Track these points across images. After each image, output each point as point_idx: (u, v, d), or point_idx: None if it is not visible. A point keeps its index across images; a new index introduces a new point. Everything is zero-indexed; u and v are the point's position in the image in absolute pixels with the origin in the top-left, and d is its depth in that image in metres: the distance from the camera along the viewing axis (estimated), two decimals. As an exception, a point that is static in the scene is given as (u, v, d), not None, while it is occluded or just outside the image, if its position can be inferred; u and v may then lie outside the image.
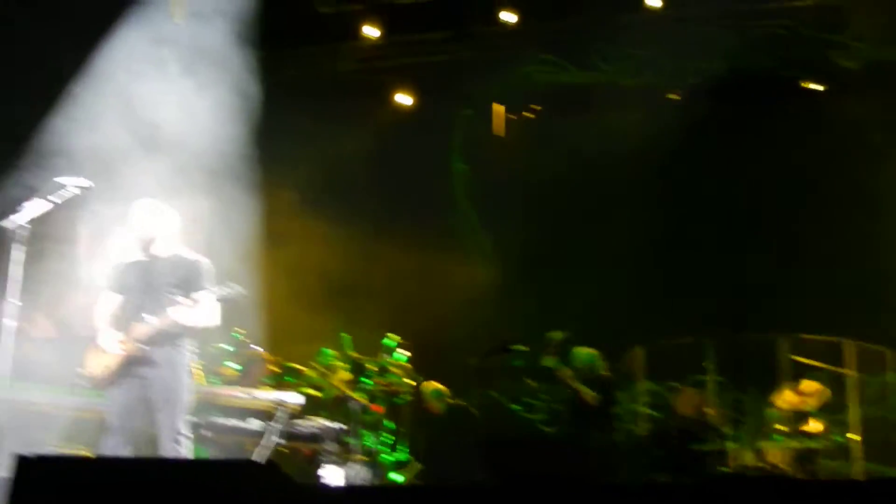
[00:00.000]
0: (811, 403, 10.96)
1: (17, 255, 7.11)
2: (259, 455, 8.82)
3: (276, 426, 9.11)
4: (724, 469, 10.62)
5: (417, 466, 10.91)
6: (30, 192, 7.51)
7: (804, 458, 10.67)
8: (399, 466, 10.85)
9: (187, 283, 7.62)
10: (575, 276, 13.27)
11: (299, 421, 9.53)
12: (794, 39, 12.72)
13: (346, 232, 12.65)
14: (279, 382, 10.92)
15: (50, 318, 10.49)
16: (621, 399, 11.85)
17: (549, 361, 11.00)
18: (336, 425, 9.65)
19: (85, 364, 7.82)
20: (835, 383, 11.57)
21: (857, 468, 11.40)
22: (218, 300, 7.61)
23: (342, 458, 9.67)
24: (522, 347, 11.84)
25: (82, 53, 10.80)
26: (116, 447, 7.46)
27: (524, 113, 14.42)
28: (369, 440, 10.34)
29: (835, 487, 4.65)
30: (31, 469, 4.45)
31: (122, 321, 7.68)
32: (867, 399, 12.10)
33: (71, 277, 10.71)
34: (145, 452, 7.77)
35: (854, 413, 11.78)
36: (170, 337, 7.57)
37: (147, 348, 7.51)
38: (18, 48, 11.56)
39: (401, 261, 12.89)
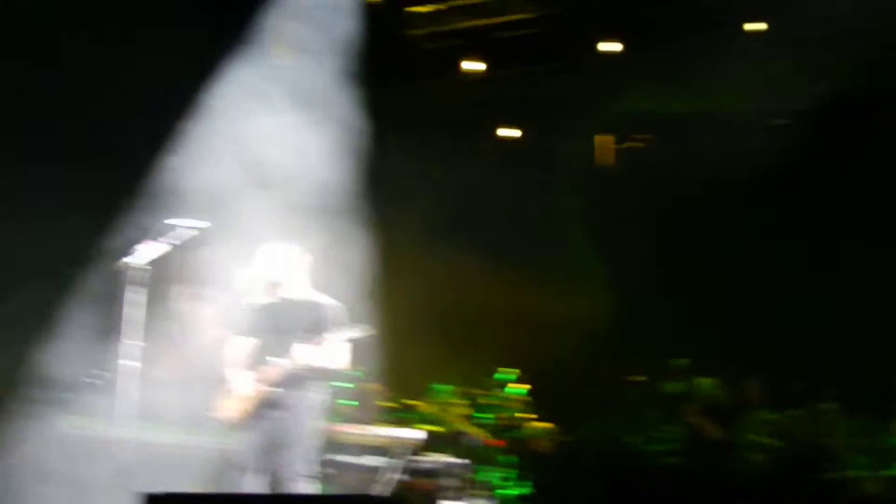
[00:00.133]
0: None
1: (136, 296, 7.23)
2: (380, 491, 8.85)
3: (396, 462, 9.14)
4: (847, 499, 10.39)
5: None
6: (144, 234, 7.62)
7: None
8: (519, 501, 10.77)
9: (317, 325, 7.68)
10: (688, 304, 13.14)
11: (418, 456, 9.53)
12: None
13: (459, 266, 12.66)
14: (397, 419, 10.95)
15: (172, 359, 10.62)
16: (741, 429, 11.64)
17: (674, 387, 10.85)
18: (455, 460, 9.64)
19: (215, 406, 7.90)
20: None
21: None
22: (346, 342, 7.64)
23: (462, 494, 9.63)
24: (640, 378, 11.74)
25: (191, 92, 11.01)
26: (246, 485, 7.55)
27: (630, 142, 14.31)
28: (488, 475, 10.29)
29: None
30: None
31: (253, 364, 7.76)
32: None
33: (191, 318, 10.89)
34: (273, 491, 7.81)
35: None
36: (299, 379, 7.62)
37: (277, 390, 7.57)
38: (129, 87, 11.80)
39: (515, 294, 12.89)
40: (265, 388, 7.61)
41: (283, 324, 7.76)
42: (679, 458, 11.67)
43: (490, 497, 9.92)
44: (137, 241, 7.52)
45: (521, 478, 10.72)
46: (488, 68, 13.66)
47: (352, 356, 7.89)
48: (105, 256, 10.13)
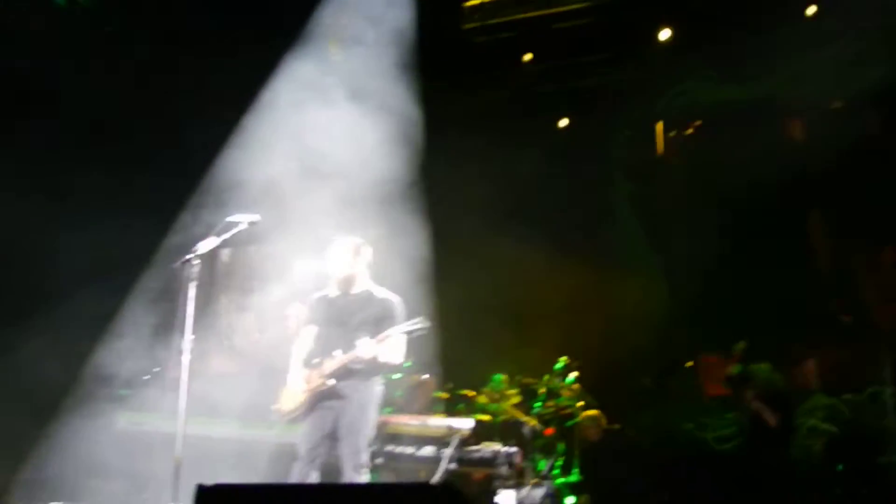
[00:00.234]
0: None
1: (192, 292, 7.33)
2: (434, 480, 8.95)
3: (449, 452, 9.23)
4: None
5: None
6: (205, 230, 7.77)
7: None
8: (572, 488, 10.82)
9: (379, 321, 7.85)
10: (743, 290, 13.08)
11: (472, 446, 9.62)
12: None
13: (513, 256, 12.69)
14: (451, 408, 11.05)
15: (230, 353, 10.83)
16: (797, 414, 11.58)
17: (735, 369, 10.81)
18: (508, 449, 9.69)
19: (278, 398, 8.07)
20: None
21: None
22: (404, 336, 7.76)
23: (515, 482, 9.69)
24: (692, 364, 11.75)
25: (251, 88, 11.19)
26: (303, 474, 7.71)
27: (685, 130, 14.25)
28: (542, 464, 10.35)
29: None
30: (211, 498, 4.67)
31: (315, 354, 7.92)
32: None
33: (245, 312, 11.10)
34: (330, 480, 7.96)
35: None
36: (357, 372, 7.77)
37: (335, 383, 7.72)
38: (188, 84, 12.01)
39: (569, 282, 12.87)
40: (323, 380, 7.76)
41: (346, 317, 7.96)
42: (733, 445, 11.64)
43: (541, 485, 9.96)
44: (196, 237, 7.62)
45: (570, 466, 10.77)
46: (542, 59, 13.68)
47: (407, 349, 8.02)
48: (164, 254, 10.40)
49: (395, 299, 8.05)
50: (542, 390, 11.04)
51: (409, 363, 10.74)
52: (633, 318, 13.09)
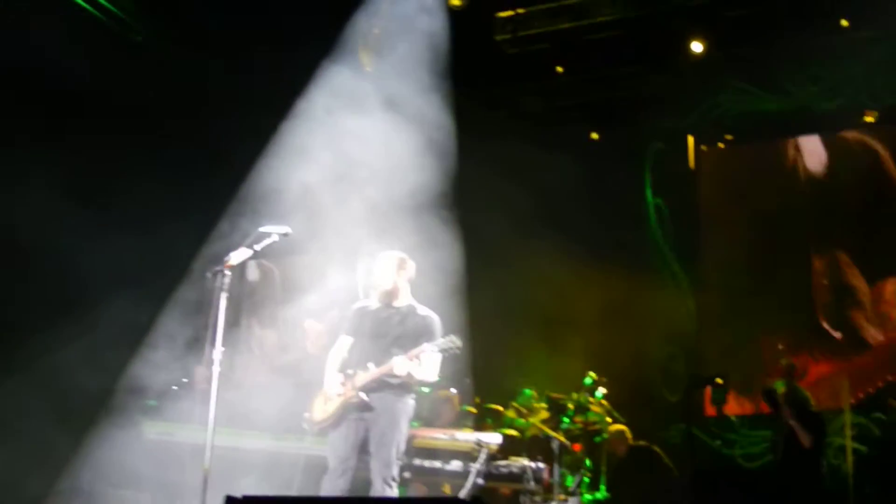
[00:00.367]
0: None
1: (223, 303, 7.28)
2: (461, 495, 8.96)
3: (477, 466, 9.24)
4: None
5: None
6: (241, 240, 7.79)
7: None
8: (595, 504, 10.83)
9: (417, 337, 7.85)
10: (775, 305, 13.06)
11: (499, 461, 9.62)
12: None
13: (544, 268, 12.71)
14: (479, 422, 11.05)
15: (256, 363, 10.86)
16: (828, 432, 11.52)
17: (779, 386, 10.74)
18: (536, 465, 9.68)
19: (310, 407, 8.09)
20: None
21: None
22: (439, 353, 7.78)
23: (543, 498, 9.70)
24: (721, 379, 11.69)
25: (286, 96, 11.25)
26: (332, 487, 7.73)
27: (717, 143, 14.21)
28: (570, 479, 10.34)
29: None
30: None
31: (348, 365, 7.95)
32: None
33: (276, 323, 11.13)
34: (360, 493, 7.98)
35: None
36: (390, 386, 7.79)
37: (365, 397, 7.75)
38: (228, 91, 12.08)
39: (599, 296, 12.85)
40: (355, 392, 7.78)
41: (384, 330, 7.96)
42: (761, 463, 11.60)
43: (568, 501, 9.96)
44: (232, 247, 7.64)
45: (598, 482, 10.75)
46: (573, 71, 13.69)
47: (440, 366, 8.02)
48: (202, 263, 10.45)
49: (435, 317, 8.07)
50: (571, 406, 10.98)
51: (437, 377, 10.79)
52: (661, 332, 13.10)
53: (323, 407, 7.99)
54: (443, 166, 10.91)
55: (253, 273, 12.70)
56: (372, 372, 7.77)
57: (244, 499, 4.96)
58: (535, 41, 13.30)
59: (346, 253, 10.80)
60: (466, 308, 11.20)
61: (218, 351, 7.18)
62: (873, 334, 12.73)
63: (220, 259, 7.44)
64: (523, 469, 9.59)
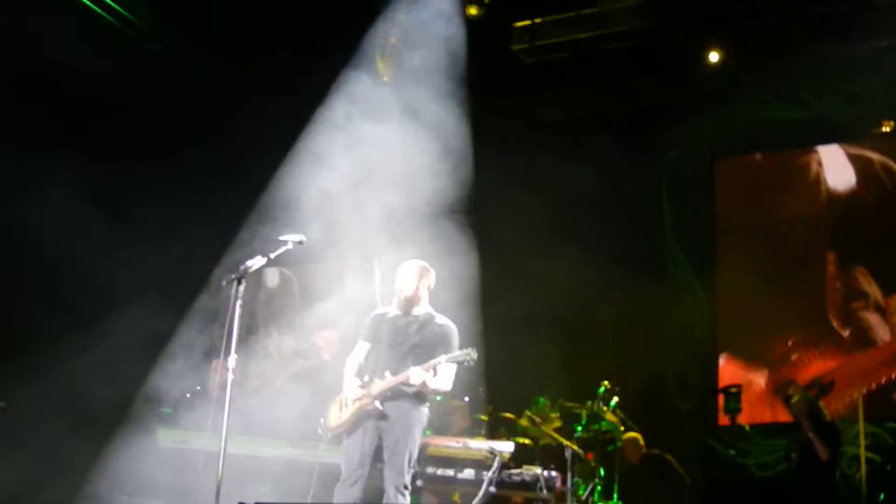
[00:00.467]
0: None
1: (237, 310, 7.32)
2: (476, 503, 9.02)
3: (490, 475, 9.27)
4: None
5: None
6: (251, 249, 7.84)
7: None
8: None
9: (434, 346, 7.88)
10: (790, 314, 13.07)
11: (512, 469, 9.65)
12: None
13: (558, 276, 12.72)
14: (492, 431, 11.10)
15: (271, 371, 10.93)
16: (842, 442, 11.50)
17: (803, 397, 10.72)
18: (549, 473, 9.71)
19: (326, 413, 8.14)
20: None
21: None
22: (454, 364, 7.82)
23: (555, 506, 9.74)
24: (735, 389, 11.71)
25: (305, 106, 11.34)
26: (345, 495, 7.78)
27: (734, 153, 14.20)
28: (582, 488, 10.37)
29: None
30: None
31: (365, 371, 8.01)
32: None
33: (294, 330, 11.20)
34: (372, 502, 8.02)
35: None
36: (405, 395, 7.85)
37: (380, 406, 7.80)
38: (248, 102, 12.19)
39: (615, 304, 12.88)
40: (369, 400, 7.84)
41: (401, 338, 7.97)
42: (774, 472, 11.59)
43: (580, 509, 10.00)
44: (245, 256, 7.70)
45: (611, 491, 10.77)
46: (590, 81, 13.74)
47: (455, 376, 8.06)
48: (216, 273, 10.54)
49: (452, 326, 8.07)
50: (584, 414, 11.01)
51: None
52: (676, 340, 13.12)
53: (338, 413, 8.03)
54: (459, 175, 10.98)
55: (273, 280, 12.80)
56: (388, 381, 7.80)
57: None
58: (553, 51, 13.36)
59: (363, 260, 10.88)
60: (481, 316, 11.26)
61: (232, 359, 7.20)
62: (882, 335, 12.71)
63: (236, 267, 7.50)
64: (536, 478, 9.60)
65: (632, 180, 13.53)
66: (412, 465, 7.92)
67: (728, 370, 13.25)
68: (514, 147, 12.88)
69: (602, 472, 10.79)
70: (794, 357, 12.96)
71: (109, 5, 11.64)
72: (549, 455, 10.43)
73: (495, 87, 13.21)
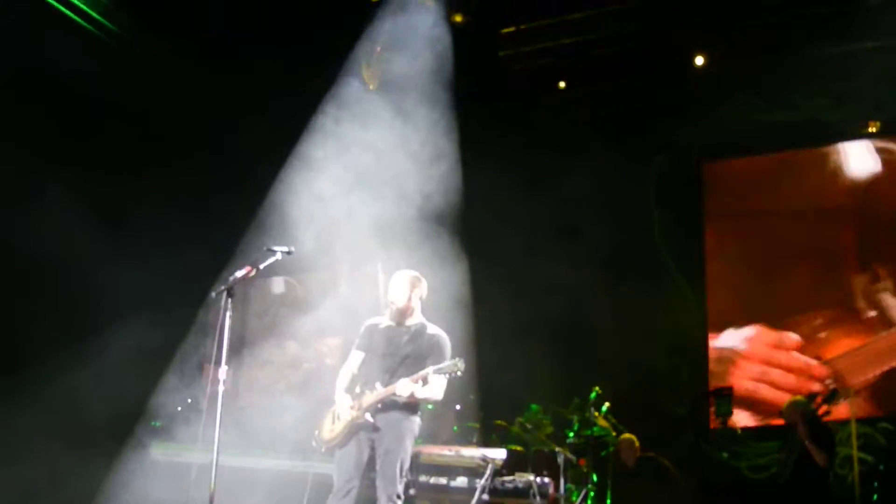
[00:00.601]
0: None
1: (227, 322, 7.32)
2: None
3: (483, 482, 9.29)
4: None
5: None
6: (241, 261, 7.85)
7: None
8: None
9: (423, 356, 7.90)
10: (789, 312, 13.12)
11: (505, 476, 9.66)
12: None
13: (547, 284, 12.74)
14: (485, 438, 11.10)
15: (262, 382, 10.93)
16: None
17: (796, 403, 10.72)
18: (541, 479, 9.72)
19: (320, 425, 8.15)
20: None
21: None
22: (445, 374, 7.82)
23: (547, 513, 9.74)
24: (726, 392, 11.72)
25: (298, 118, 11.37)
26: (335, 506, 7.80)
27: (723, 154, 14.22)
28: (575, 494, 10.38)
29: None
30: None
31: (357, 381, 8.02)
32: None
33: (284, 342, 11.20)
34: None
35: None
36: (396, 405, 7.86)
37: (371, 418, 7.81)
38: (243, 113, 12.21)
39: (604, 309, 12.89)
40: (360, 413, 7.85)
41: (393, 348, 8.00)
42: (767, 475, 11.60)
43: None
44: (235, 268, 7.69)
45: (604, 497, 10.78)
46: (578, 85, 13.77)
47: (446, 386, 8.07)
48: (211, 285, 10.53)
49: (444, 336, 8.08)
50: (576, 420, 11.02)
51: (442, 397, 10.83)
52: (668, 344, 13.14)
53: (331, 426, 8.05)
54: (450, 181, 11.01)
55: (278, 287, 12.81)
56: (378, 393, 7.82)
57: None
58: (540, 56, 13.38)
59: (361, 268, 10.90)
60: (473, 322, 11.28)
61: (223, 370, 7.20)
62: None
63: (223, 280, 7.49)
64: (529, 484, 9.61)
65: (621, 184, 13.52)
66: (404, 474, 7.95)
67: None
68: (503, 152, 12.87)
69: (595, 478, 10.80)
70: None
71: (92, 16, 11.66)
72: (542, 461, 10.44)
73: (483, 93, 13.21)
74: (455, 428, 11.31)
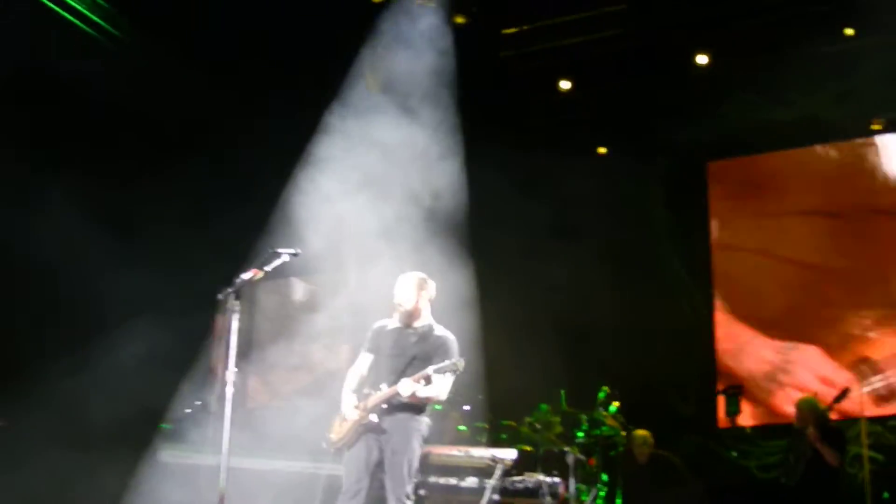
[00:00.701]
0: None
1: (234, 324, 7.28)
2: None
3: (493, 482, 9.25)
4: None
5: None
6: (248, 263, 7.81)
7: None
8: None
9: (430, 357, 7.87)
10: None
11: (515, 476, 9.63)
12: None
13: (554, 285, 12.75)
14: (494, 438, 11.07)
15: (265, 385, 10.90)
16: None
17: (819, 407, 10.66)
18: (551, 479, 9.68)
19: (331, 426, 8.11)
20: None
21: None
22: (442, 372, 7.77)
23: (558, 512, 9.71)
24: (735, 391, 11.72)
25: (304, 119, 11.36)
26: (344, 508, 7.75)
27: (726, 154, 14.21)
28: (585, 494, 10.35)
29: None
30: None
31: (366, 384, 7.99)
32: None
33: (287, 345, 11.16)
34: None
35: None
36: (403, 405, 7.83)
37: (375, 419, 7.77)
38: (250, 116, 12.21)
39: (612, 310, 12.89)
40: (366, 413, 7.81)
41: (400, 350, 7.99)
42: (776, 474, 11.55)
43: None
44: (241, 270, 7.65)
45: (614, 496, 10.75)
46: (580, 86, 13.76)
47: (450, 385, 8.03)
48: (213, 287, 10.47)
49: (451, 337, 8.06)
50: (585, 420, 11.01)
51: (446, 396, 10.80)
52: (675, 344, 13.12)
53: (338, 427, 8.03)
54: (453, 182, 10.99)
55: (299, 293, 12.79)
56: (381, 393, 7.81)
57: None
58: (541, 57, 13.38)
59: (369, 270, 10.88)
60: (480, 322, 11.25)
61: (231, 372, 7.15)
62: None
63: (229, 282, 7.45)
64: (539, 484, 9.58)
65: (625, 184, 13.53)
66: (413, 474, 7.90)
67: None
68: (505, 153, 12.84)
69: (604, 478, 10.77)
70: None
71: (94, 20, 11.66)
72: (552, 461, 10.40)
73: (485, 94, 13.19)
74: (461, 427, 11.25)
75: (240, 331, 7.27)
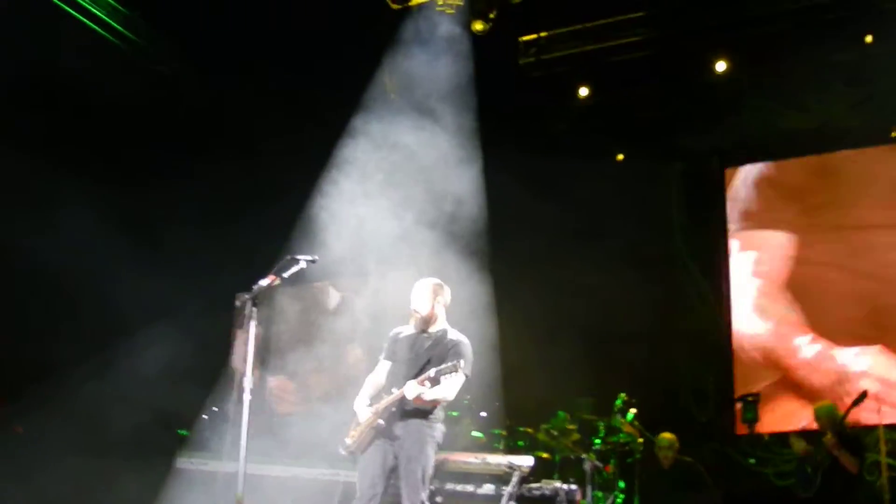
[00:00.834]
0: None
1: (252, 330, 7.30)
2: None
3: (510, 489, 9.25)
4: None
5: None
6: (267, 269, 7.85)
7: None
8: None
9: (443, 360, 7.86)
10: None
11: (532, 483, 9.62)
12: None
13: (572, 292, 12.75)
14: (511, 445, 11.07)
15: (288, 392, 10.91)
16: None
17: (835, 413, 10.63)
18: (568, 486, 9.67)
19: (348, 433, 8.13)
20: None
21: None
22: (443, 374, 7.79)
23: (574, 519, 9.70)
24: (752, 398, 11.70)
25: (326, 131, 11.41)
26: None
27: (743, 160, 14.18)
28: (602, 501, 10.34)
29: None
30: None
31: (385, 390, 8.01)
32: None
33: (311, 350, 11.19)
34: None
35: None
36: (415, 412, 7.84)
37: (383, 423, 7.79)
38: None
39: (630, 316, 12.88)
40: (375, 418, 7.84)
41: (415, 356, 8.00)
42: (793, 481, 11.52)
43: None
44: (260, 276, 7.68)
45: (631, 502, 10.74)
46: (598, 92, 13.78)
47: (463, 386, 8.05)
48: (232, 294, 10.53)
49: (465, 342, 8.06)
50: (602, 426, 10.99)
51: (465, 400, 10.83)
52: (692, 350, 13.10)
53: (353, 431, 8.06)
54: (472, 187, 11.01)
55: (334, 299, 12.83)
56: (391, 397, 7.82)
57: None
58: (559, 63, 13.40)
59: (389, 275, 10.91)
60: (497, 328, 11.27)
61: (248, 378, 7.19)
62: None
63: (249, 289, 7.47)
64: (556, 491, 9.55)
65: (642, 190, 13.53)
66: (428, 481, 7.91)
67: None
68: (524, 159, 12.87)
69: (621, 484, 10.76)
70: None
71: (118, 30, 11.73)
72: (569, 468, 10.40)
73: (505, 100, 13.21)
74: (475, 433, 11.26)
75: (262, 337, 7.29)
